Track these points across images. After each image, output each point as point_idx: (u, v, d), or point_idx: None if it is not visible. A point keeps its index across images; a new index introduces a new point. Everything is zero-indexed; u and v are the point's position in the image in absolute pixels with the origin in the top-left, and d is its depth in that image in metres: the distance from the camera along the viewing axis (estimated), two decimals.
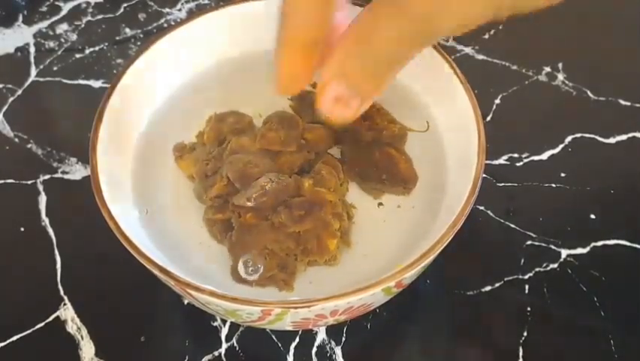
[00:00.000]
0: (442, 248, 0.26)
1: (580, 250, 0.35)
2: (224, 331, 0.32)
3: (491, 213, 0.36)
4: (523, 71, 0.43)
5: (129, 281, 0.34)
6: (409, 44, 0.22)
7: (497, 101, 0.41)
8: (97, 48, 0.45)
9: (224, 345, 0.32)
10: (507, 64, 0.43)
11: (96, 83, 0.43)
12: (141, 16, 0.47)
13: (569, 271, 0.34)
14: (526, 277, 0.34)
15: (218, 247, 0.30)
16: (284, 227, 0.29)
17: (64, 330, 0.33)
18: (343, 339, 0.32)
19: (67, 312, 0.33)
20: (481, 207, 0.36)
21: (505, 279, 0.34)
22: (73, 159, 0.39)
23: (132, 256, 0.26)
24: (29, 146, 0.40)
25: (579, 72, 0.42)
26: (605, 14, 0.45)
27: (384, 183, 0.31)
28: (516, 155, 0.39)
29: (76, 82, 0.43)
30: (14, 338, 0.32)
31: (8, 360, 0.32)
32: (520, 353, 0.32)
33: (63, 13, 0.47)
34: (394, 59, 0.23)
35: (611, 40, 0.44)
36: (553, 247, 0.35)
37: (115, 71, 0.43)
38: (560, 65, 0.43)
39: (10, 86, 0.43)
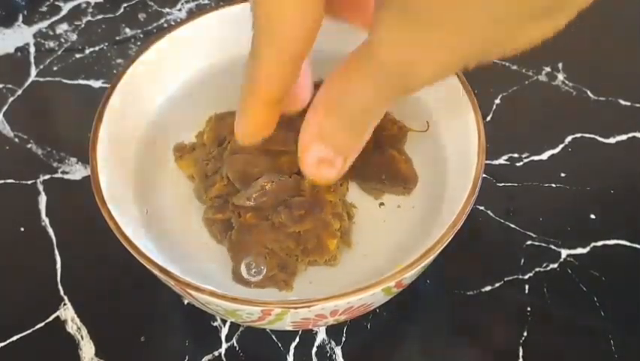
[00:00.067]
0: (442, 248, 0.26)
1: (580, 250, 0.35)
2: (224, 331, 0.32)
3: (491, 213, 0.36)
4: (523, 71, 0.43)
5: (129, 281, 0.34)
6: (385, 99, 0.22)
7: (497, 101, 0.41)
8: (97, 48, 0.45)
9: (224, 345, 0.32)
10: (507, 64, 0.43)
11: (96, 83, 0.43)
12: (141, 16, 0.47)
13: (569, 271, 0.34)
14: (526, 277, 0.34)
15: (218, 247, 0.30)
16: (284, 227, 0.29)
17: (64, 330, 0.33)
18: (343, 339, 0.32)
19: (67, 312, 0.33)
20: (481, 207, 0.36)
21: (505, 279, 0.34)
22: (73, 159, 0.39)
23: (132, 256, 0.26)
24: (29, 146, 0.40)
25: (579, 72, 0.42)
26: (605, 14, 0.45)
27: (385, 183, 0.31)
28: (516, 155, 0.39)
29: (76, 82, 0.43)
30: (14, 338, 0.32)
31: (8, 360, 0.32)
32: (520, 353, 0.32)
33: (63, 13, 0.47)
34: (372, 115, 0.23)
35: (611, 40, 0.44)
36: (553, 247, 0.35)
37: (115, 71, 0.43)
38: (560, 65, 0.43)
39: (10, 86, 0.43)
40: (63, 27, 0.46)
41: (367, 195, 0.31)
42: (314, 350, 0.32)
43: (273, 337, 0.32)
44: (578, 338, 0.32)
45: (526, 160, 0.38)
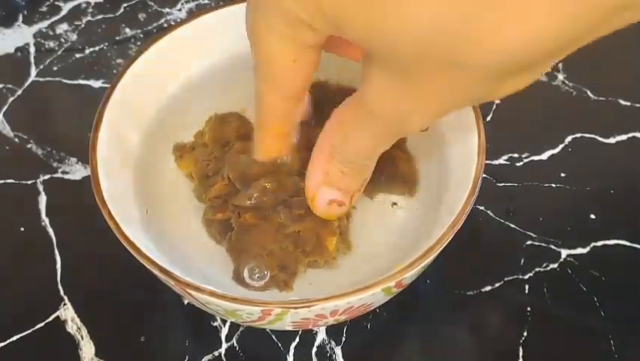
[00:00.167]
0: (442, 248, 0.26)
1: (580, 250, 0.35)
2: (224, 331, 0.32)
3: (491, 213, 0.36)
4: None
5: (129, 281, 0.34)
6: (381, 144, 0.23)
7: (497, 101, 0.41)
8: (97, 48, 0.45)
9: (224, 345, 0.32)
10: None
11: (96, 83, 0.43)
12: (141, 16, 0.47)
13: (569, 271, 0.34)
14: (526, 277, 0.34)
15: (218, 247, 0.30)
16: (283, 227, 0.29)
17: (64, 330, 0.33)
18: (343, 339, 0.32)
19: (67, 312, 0.33)
20: (481, 207, 0.36)
21: (505, 279, 0.34)
22: (73, 159, 0.39)
23: (132, 256, 0.26)
24: (29, 146, 0.40)
25: (579, 72, 0.42)
26: None
27: (385, 183, 0.31)
28: (516, 155, 0.39)
29: (76, 82, 0.43)
30: (14, 338, 0.32)
31: (8, 360, 0.32)
32: (520, 353, 0.32)
33: (63, 13, 0.47)
34: (371, 158, 0.24)
35: (611, 40, 0.44)
36: (553, 247, 0.35)
37: (115, 71, 0.43)
38: (560, 65, 0.43)
39: (10, 86, 0.43)
40: (63, 27, 0.46)
41: (367, 195, 0.31)
42: (314, 350, 0.32)
43: (273, 337, 0.32)
44: (578, 338, 0.32)
45: (526, 160, 0.38)
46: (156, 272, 0.25)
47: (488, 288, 0.34)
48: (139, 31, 0.46)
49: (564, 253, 0.35)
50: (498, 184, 0.37)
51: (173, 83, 0.34)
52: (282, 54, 0.21)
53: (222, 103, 0.33)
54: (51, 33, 0.46)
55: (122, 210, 0.27)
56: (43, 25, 0.46)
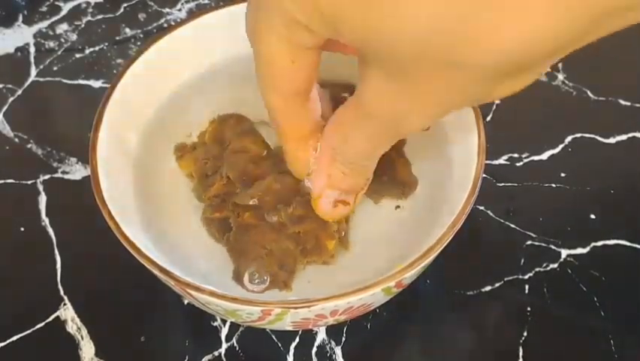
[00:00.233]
0: (442, 248, 0.26)
1: (580, 250, 0.35)
2: (224, 331, 0.32)
3: (491, 213, 0.36)
4: None
5: (129, 281, 0.34)
6: (380, 145, 0.23)
7: (497, 101, 0.41)
8: (97, 48, 0.45)
9: (224, 345, 0.32)
10: None
11: (96, 83, 0.43)
12: (141, 16, 0.47)
13: (569, 271, 0.34)
14: (526, 277, 0.34)
15: (218, 247, 0.30)
16: (283, 228, 0.29)
17: (64, 330, 0.33)
18: (343, 339, 0.32)
19: (67, 312, 0.33)
20: (481, 207, 0.36)
21: (505, 279, 0.34)
22: (73, 159, 0.39)
23: (132, 256, 0.26)
24: (29, 146, 0.40)
25: (579, 72, 0.42)
26: None
27: (383, 186, 0.31)
28: (516, 155, 0.39)
29: (76, 82, 0.43)
30: (14, 338, 0.32)
31: (8, 360, 0.32)
32: (520, 353, 0.32)
33: (63, 13, 0.47)
34: (372, 158, 0.24)
35: (612, 40, 0.44)
36: (553, 247, 0.35)
37: (115, 71, 0.43)
38: (560, 65, 0.43)
39: (10, 86, 0.43)
40: (63, 27, 0.46)
41: (367, 196, 0.31)
42: (314, 350, 0.32)
43: (273, 337, 0.32)
44: (578, 338, 0.32)
45: (526, 160, 0.38)
46: (156, 272, 0.25)
47: (488, 288, 0.34)
48: (139, 31, 0.46)
49: (564, 253, 0.35)
50: (498, 184, 0.37)
51: (173, 83, 0.34)
52: (281, 55, 0.21)
53: (222, 103, 0.33)
54: (51, 33, 0.46)
55: (122, 210, 0.27)
56: (43, 25, 0.46)
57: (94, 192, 0.27)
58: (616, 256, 0.35)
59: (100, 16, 0.47)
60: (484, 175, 0.28)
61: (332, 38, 0.20)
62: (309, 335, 0.32)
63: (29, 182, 0.38)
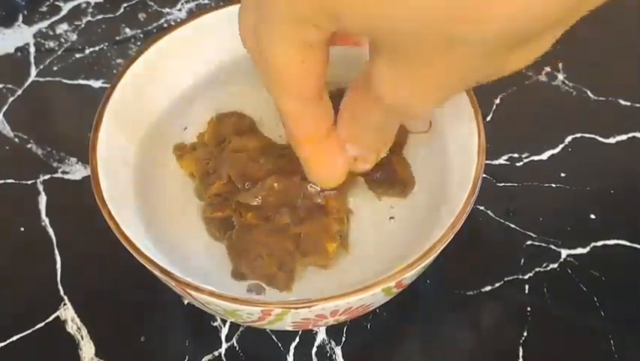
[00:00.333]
0: (442, 248, 0.26)
1: (580, 250, 0.35)
2: (224, 331, 0.32)
3: (491, 213, 0.36)
4: (523, 71, 0.43)
5: (129, 281, 0.34)
6: (392, 120, 0.24)
7: (497, 101, 0.41)
8: (97, 48, 0.45)
9: (224, 345, 0.32)
10: None
11: (96, 83, 0.43)
12: (141, 16, 0.47)
13: (569, 271, 0.34)
14: (526, 277, 0.34)
15: (219, 247, 0.30)
16: (285, 229, 0.29)
17: (64, 330, 0.33)
18: (343, 339, 0.32)
19: (67, 312, 0.33)
20: (481, 207, 0.36)
21: (505, 279, 0.34)
22: (73, 159, 0.39)
23: (132, 256, 0.26)
24: (29, 146, 0.40)
25: (579, 72, 0.42)
26: (605, 14, 0.45)
27: (382, 186, 0.31)
28: (516, 155, 0.39)
29: (76, 82, 0.43)
30: (14, 338, 0.32)
31: (8, 360, 0.32)
32: (520, 353, 0.32)
33: (63, 13, 0.47)
34: (388, 128, 0.25)
35: (611, 40, 0.44)
36: (553, 247, 0.35)
37: (115, 71, 0.43)
38: (560, 65, 0.43)
39: (10, 86, 0.43)
40: (63, 27, 0.46)
41: (366, 196, 0.31)
42: (314, 350, 0.32)
43: (273, 337, 0.32)
44: (578, 338, 0.32)
45: (526, 160, 0.38)
46: (156, 272, 0.25)
47: (488, 288, 0.34)
48: (139, 31, 0.46)
49: (564, 253, 0.35)
50: (498, 184, 0.37)
51: (173, 83, 0.34)
52: (289, 56, 0.21)
53: (222, 103, 0.33)
54: (51, 33, 0.46)
55: (122, 210, 0.27)
56: (43, 25, 0.46)
57: (94, 192, 0.27)
58: (616, 256, 0.35)
59: (100, 16, 0.47)
60: (484, 175, 0.28)
61: (337, 32, 0.20)
62: (309, 335, 0.32)
63: (29, 182, 0.38)
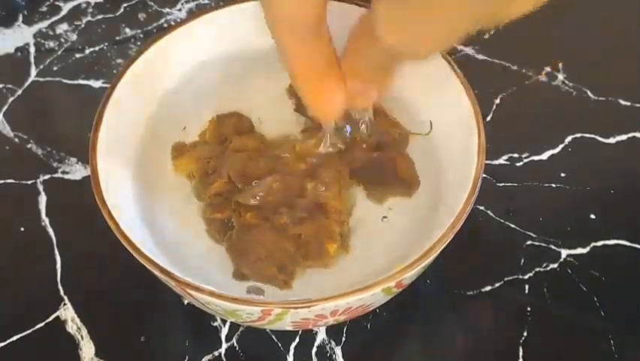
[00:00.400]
0: (441, 248, 0.26)
1: (580, 250, 0.35)
2: (224, 331, 0.32)
3: (491, 213, 0.36)
4: (523, 71, 0.43)
5: (129, 281, 0.34)
6: (394, 60, 0.24)
7: (497, 101, 0.41)
8: (97, 48, 0.45)
9: (224, 345, 0.32)
10: (507, 64, 0.43)
11: (96, 83, 0.43)
12: (141, 16, 0.47)
13: (569, 271, 0.34)
14: (526, 277, 0.34)
15: (218, 247, 0.30)
16: (285, 229, 0.29)
17: (64, 330, 0.33)
18: (343, 339, 0.32)
19: (67, 312, 0.33)
20: (481, 207, 0.36)
21: (505, 279, 0.34)
22: (73, 159, 0.39)
23: (132, 256, 0.26)
24: (29, 146, 0.40)
25: (579, 72, 0.42)
26: (605, 14, 0.45)
27: (387, 187, 0.31)
28: (516, 155, 0.39)
29: (76, 82, 0.43)
30: (14, 338, 0.32)
31: (8, 360, 0.32)
32: (520, 353, 0.32)
33: (63, 13, 0.47)
34: (389, 65, 0.25)
35: (611, 40, 0.44)
36: (553, 247, 0.35)
37: (115, 71, 0.43)
38: (560, 65, 0.43)
39: (10, 86, 0.43)
40: (63, 27, 0.46)
41: (367, 196, 0.31)
42: (314, 350, 0.32)
43: (273, 337, 0.32)
44: (578, 338, 0.32)
45: (526, 160, 0.38)
46: (156, 272, 0.25)
47: (488, 288, 0.34)
48: (139, 31, 0.46)
49: (564, 253, 0.35)
50: (498, 184, 0.37)
51: (173, 83, 0.34)
52: None
53: (222, 103, 0.33)
54: (51, 33, 0.46)
55: (122, 211, 0.27)
56: (43, 25, 0.46)
57: (94, 192, 0.27)
58: (616, 256, 0.35)
59: (100, 16, 0.47)
60: (484, 175, 0.28)
61: None
62: (309, 335, 0.32)
63: (29, 182, 0.38)
